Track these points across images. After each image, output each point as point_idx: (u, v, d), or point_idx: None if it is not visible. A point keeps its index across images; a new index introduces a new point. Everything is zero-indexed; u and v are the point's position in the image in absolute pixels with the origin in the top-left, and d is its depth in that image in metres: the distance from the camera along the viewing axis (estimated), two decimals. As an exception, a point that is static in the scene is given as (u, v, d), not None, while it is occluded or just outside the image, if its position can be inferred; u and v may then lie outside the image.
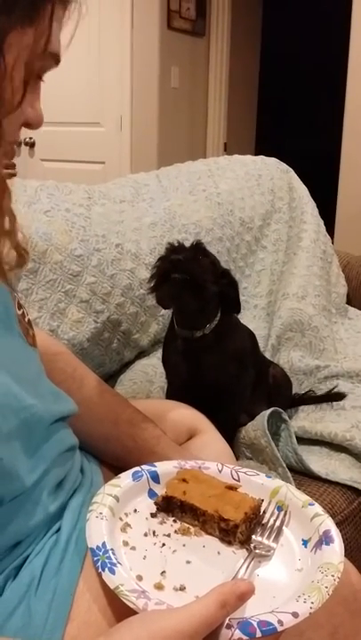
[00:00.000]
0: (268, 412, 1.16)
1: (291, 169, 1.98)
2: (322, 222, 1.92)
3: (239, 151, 2.05)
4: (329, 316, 1.72)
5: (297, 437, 1.24)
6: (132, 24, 3.36)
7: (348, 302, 1.94)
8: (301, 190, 1.94)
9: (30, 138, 3.56)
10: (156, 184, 1.59)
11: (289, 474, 1.10)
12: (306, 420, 1.33)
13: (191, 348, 1.14)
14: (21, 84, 0.57)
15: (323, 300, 1.70)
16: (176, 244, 1.09)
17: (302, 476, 1.16)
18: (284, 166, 1.97)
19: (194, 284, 1.04)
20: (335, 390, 1.43)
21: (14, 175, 0.69)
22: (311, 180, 2.06)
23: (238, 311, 1.17)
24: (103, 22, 3.29)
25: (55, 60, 0.60)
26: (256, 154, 1.99)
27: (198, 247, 1.09)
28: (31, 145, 3.60)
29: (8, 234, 0.66)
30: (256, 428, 1.15)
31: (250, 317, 1.67)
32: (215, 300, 1.11)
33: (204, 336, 1.12)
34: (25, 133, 0.73)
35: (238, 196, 1.73)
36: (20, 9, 0.54)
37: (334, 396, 1.42)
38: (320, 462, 1.20)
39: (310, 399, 1.41)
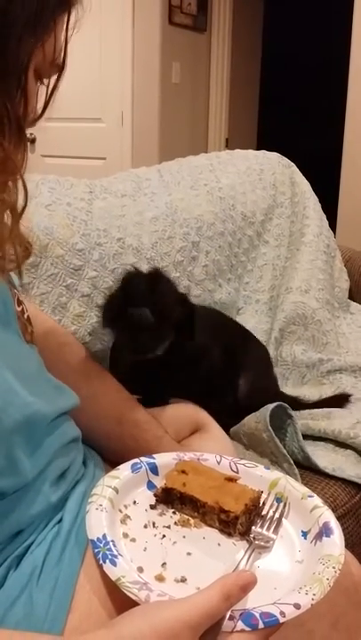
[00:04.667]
0: (272, 406, 1.13)
1: (293, 164, 1.97)
2: (324, 217, 1.91)
3: (241, 146, 2.04)
4: (332, 310, 1.71)
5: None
6: (134, 19, 3.36)
7: (351, 297, 1.94)
8: (304, 185, 1.93)
9: (31, 134, 3.51)
10: (157, 178, 1.58)
11: (296, 470, 1.09)
12: (309, 417, 1.31)
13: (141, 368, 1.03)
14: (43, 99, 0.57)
15: (326, 294, 1.70)
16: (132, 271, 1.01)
17: (303, 469, 1.16)
18: (286, 161, 1.96)
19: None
20: (339, 392, 1.38)
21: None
22: (313, 175, 2.05)
23: (193, 339, 1.03)
24: (104, 18, 3.29)
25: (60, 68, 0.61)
26: (258, 149, 1.98)
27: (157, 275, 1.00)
28: (32, 141, 3.59)
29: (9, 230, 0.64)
30: (258, 420, 1.14)
31: (252, 312, 1.66)
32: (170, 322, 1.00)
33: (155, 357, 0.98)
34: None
35: (240, 191, 1.72)
36: (42, 24, 0.54)
37: (338, 401, 1.36)
38: (326, 458, 1.19)
39: (313, 405, 1.36)
